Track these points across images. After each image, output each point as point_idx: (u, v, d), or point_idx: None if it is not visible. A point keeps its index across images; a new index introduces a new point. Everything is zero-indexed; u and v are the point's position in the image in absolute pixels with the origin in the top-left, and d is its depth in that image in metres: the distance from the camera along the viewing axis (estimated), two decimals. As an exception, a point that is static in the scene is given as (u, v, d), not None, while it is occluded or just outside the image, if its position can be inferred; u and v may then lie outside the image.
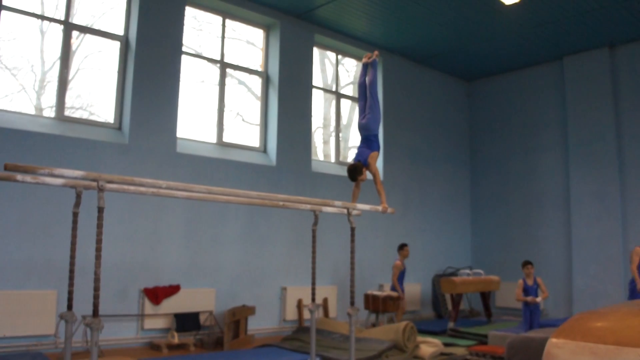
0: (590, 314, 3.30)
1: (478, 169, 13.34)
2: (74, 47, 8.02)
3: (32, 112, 7.66)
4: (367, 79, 5.98)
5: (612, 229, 10.79)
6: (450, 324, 9.43)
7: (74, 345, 6.30)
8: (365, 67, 6.07)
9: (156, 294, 7.87)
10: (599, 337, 2.99)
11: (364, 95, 5.95)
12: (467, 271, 11.14)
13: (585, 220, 11.16)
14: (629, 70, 11.01)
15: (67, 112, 7.84)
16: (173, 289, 8.04)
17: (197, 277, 8.41)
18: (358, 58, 11.53)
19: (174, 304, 8.00)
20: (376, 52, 6.08)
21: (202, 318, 8.18)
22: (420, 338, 7.64)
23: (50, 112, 7.76)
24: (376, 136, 5.86)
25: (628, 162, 10.84)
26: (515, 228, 12.44)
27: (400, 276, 9.39)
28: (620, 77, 11.10)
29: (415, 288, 11.52)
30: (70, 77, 7.95)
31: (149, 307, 7.82)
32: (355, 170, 5.69)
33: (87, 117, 8.15)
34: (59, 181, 3.68)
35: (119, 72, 8.24)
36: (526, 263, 8.33)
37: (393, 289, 9.40)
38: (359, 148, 5.88)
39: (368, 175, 5.82)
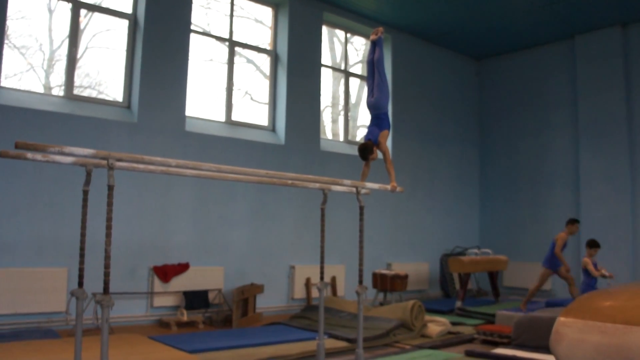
0: (598, 293, 3.30)
1: (487, 148, 13.28)
2: (82, 26, 8.00)
3: (41, 90, 7.67)
4: (374, 56, 5.93)
5: (621, 209, 10.74)
6: (458, 303, 9.46)
7: (84, 322, 6.37)
8: (373, 44, 6.01)
9: (165, 272, 7.92)
10: (607, 316, 3.00)
11: (372, 73, 5.90)
12: (475, 251, 11.15)
13: (594, 200, 11.12)
14: (641, 49, 10.89)
15: (75, 91, 7.84)
16: (182, 267, 8.09)
17: (206, 255, 8.45)
18: (367, 36, 11.45)
19: (183, 282, 8.06)
20: (381, 29, 6.02)
21: (210, 296, 8.23)
22: (428, 317, 7.68)
23: (59, 91, 7.77)
24: (386, 114, 5.82)
25: (638, 142, 10.76)
26: (523, 208, 12.41)
27: (552, 247, 8.97)
28: (632, 56, 10.97)
29: (423, 267, 11.55)
30: (78, 55, 7.94)
31: (158, 285, 7.88)
32: (366, 150, 5.66)
33: (95, 95, 8.15)
34: (69, 159, 3.68)
35: (127, 50, 8.22)
36: (596, 244, 8.26)
37: (547, 263, 9.10)
38: (369, 127, 5.84)
39: (379, 154, 5.79)
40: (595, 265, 8.16)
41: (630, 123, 10.84)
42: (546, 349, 5.71)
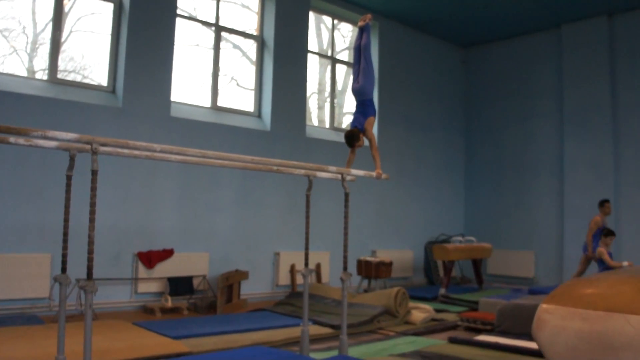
0: (580, 280, 3.33)
1: (473, 136, 13.33)
2: (66, 9, 7.90)
3: (25, 74, 7.58)
4: (361, 42, 5.91)
5: (604, 197, 10.81)
6: (442, 291, 9.52)
7: (68, 309, 6.35)
8: (360, 30, 5.99)
9: (150, 258, 7.90)
10: (589, 303, 3.03)
11: (359, 59, 5.88)
12: (460, 238, 11.21)
13: (578, 189, 11.21)
14: (627, 39, 10.95)
15: (60, 75, 7.76)
16: (167, 253, 8.07)
17: (190, 241, 8.43)
18: (354, 23, 11.42)
19: (167, 268, 8.04)
20: (369, 16, 5.99)
21: (195, 282, 8.22)
22: (411, 304, 7.72)
23: (42, 75, 7.69)
24: (371, 101, 5.81)
25: (623, 131, 10.85)
26: (508, 196, 12.49)
27: (598, 232, 8.86)
28: (617, 46, 11.04)
29: (407, 255, 11.61)
30: (63, 39, 7.85)
31: (142, 271, 7.86)
32: (353, 137, 5.64)
33: (80, 80, 8.07)
34: (52, 144, 3.65)
35: (112, 34, 8.14)
36: (612, 233, 8.31)
37: (585, 248, 9.14)
38: (355, 114, 5.82)
39: (365, 141, 5.79)
40: (610, 255, 8.16)
41: (615, 112, 10.92)
42: (529, 336, 5.76)
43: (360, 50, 5.86)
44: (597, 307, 2.99)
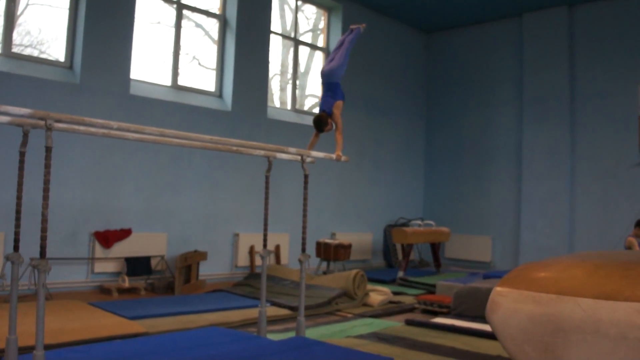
0: (534, 264, 3.39)
1: (433, 121, 13.43)
2: (22, -19, 7.68)
3: (-22, 47, 7.37)
4: (348, 37, 5.94)
5: (560, 185, 11.06)
6: (400, 274, 9.61)
7: (21, 288, 6.22)
8: (350, 30, 6.04)
9: (107, 238, 7.80)
10: (541, 287, 3.08)
11: (339, 47, 5.93)
12: (419, 222, 11.32)
13: (535, 176, 11.41)
14: (586, 30, 11.12)
15: (15, 49, 7.55)
16: (124, 233, 7.98)
17: (149, 221, 8.34)
18: (318, 5, 11.39)
19: (125, 248, 7.95)
20: (364, 25, 6.03)
21: (153, 262, 8.15)
22: (370, 286, 7.78)
23: (-4, 49, 7.47)
24: (338, 84, 5.81)
25: (579, 120, 11.05)
26: (467, 181, 12.65)
27: None
28: (576, 36, 11.21)
29: (366, 237, 11.68)
30: (18, 12, 7.63)
31: (99, 251, 7.76)
32: (321, 121, 5.63)
33: (37, 55, 7.86)
34: (5, 119, 3.55)
35: (70, 8, 7.93)
36: None
37: None
38: (323, 97, 5.80)
39: (333, 125, 5.78)
40: None
41: (573, 101, 11.12)
42: (483, 319, 5.84)
43: (344, 42, 5.89)
44: (549, 290, 3.04)
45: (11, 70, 7.18)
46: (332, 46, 11.50)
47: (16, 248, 3.71)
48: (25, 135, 3.69)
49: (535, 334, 3.05)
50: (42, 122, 3.48)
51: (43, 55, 7.92)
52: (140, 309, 6.16)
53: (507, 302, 3.17)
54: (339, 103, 5.73)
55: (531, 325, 3.06)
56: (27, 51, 7.81)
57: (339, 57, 5.79)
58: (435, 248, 10.79)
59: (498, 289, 3.26)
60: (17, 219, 3.73)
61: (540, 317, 3.03)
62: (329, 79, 5.79)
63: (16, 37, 7.61)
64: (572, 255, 3.69)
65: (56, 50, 7.97)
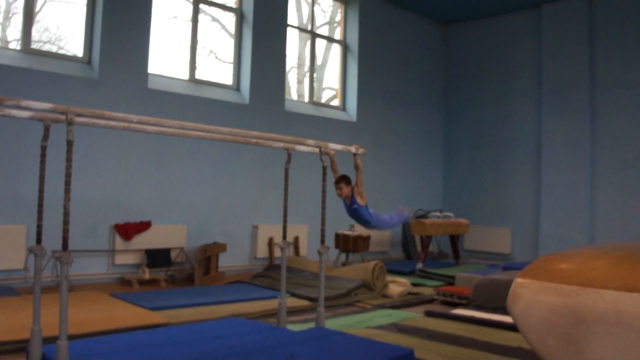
0: (555, 255, 3.37)
1: (451, 113, 13.36)
2: (41, -23, 7.73)
3: (-2, 43, 7.45)
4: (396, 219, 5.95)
5: (580, 176, 10.96)
6: (419, 265, 9.59)
7: (44, 280, 6.30)
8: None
9: (127, 230, 7.86)
10: (563, 278, 3.06)
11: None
12: (437, 214, 11.28)
13: (555, 167, 11.32)
14: (606, 20, 10.98)
15: (34, 46, 7.61)
16: (144, 225, 8.03)
17: (168, 213, 8.40)
18: (335, -3, 11.36)
19: (145, 240, 8.01)
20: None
21: (173, 254, 8.21)
22: (389, 278, 7.78)
23: (16, 46, 7.53)
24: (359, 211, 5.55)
25: (599, 111, 10.93)
26: (486, 173, 12.58)
27: None
28: (596, 26, 11.07)
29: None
30: (37, 9, 7.68)
31: (119, 243, 7.83)
32: (339, 180, 5.39)
33: (55, 51, 7.91)
34: (27, 114, 3.59)
35: (87, 4, 7.97)
36: None
37: None
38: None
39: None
40: None
41: (593, 92, 11.00)
42: (503, 310, 5.83)
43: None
44: (570, 282, 3.03)
45: (31, 66, 7.25)
46: (350, 39, 11.47)
47: (39, 241, 3.75)
48: (47, 129, 3.73)
49: (557, 325, 3.03)
50: (63, 117, 3.51)
51: (61, 51, 7.98)
52: (161, 300, 6.21)
53: (528, 294, 3.16)
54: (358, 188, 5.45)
55: (553, 317, 3.05)
56: (46, 47, 7.87)
57: (379, 222, 5.68)
58: (454, 240, 10.75)
59: (519, 280, 3.24)
60: (40, 212, 3.77)
61: (562, 308, 3.02)
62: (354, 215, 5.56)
63: (35, 33, 7.67)
64: (594, 247, 3.67)
65: (74, 46, 8.03)
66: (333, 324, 5.61)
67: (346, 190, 5.35)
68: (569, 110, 11.18)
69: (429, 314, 6.24)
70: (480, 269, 9.11)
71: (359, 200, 5.37)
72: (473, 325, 5.76)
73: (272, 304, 6.20)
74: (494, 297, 6.36)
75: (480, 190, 12.61)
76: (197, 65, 9.18)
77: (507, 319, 5.61)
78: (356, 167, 5.42)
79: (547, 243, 11.14)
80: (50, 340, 4.09)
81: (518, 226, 11.96)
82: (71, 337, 3.78)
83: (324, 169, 5.19)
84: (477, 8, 12.32)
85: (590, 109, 10.97)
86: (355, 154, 5.51)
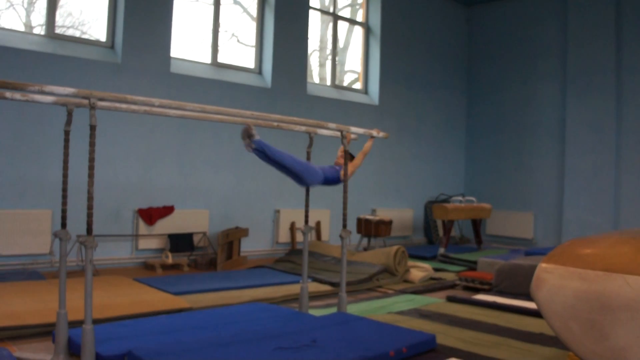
0: (580, 240, 3.33)
1: (474, 96, 13.23)
2: (63, -39, 7.76)
3: (22, 29, 7.48)
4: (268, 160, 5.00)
5: (605, 160, 10.80)
6: (441, 250, 9.56)
7: (69, 265, 6.39)
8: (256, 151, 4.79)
9: (150, 215, 7.91)
10: (588, 263, 3.03)
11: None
12: (460, 198, 11.22)
13: (579, 151, 11.16)
14: (634, 1, 10.75)
15: (58, 31, 7.65)
16: (167, 210, 8.08)
17: (190, 198, 8.44)
18: (357, -21, 11.26)
19: (168, 225, 8.07)
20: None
21: (195, 239, 8.25)
22: (410, 262, 7.76)
23: (40, 31, 7.58)
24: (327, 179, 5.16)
25: (626, 94, 10.74)
26: (509, 157, 12.46)
27: None
28: (623, 7, 10.83)
29: (407, 214, 11.63)
30: (60, -7, 7.72)
31: (143, 228, 7.88)
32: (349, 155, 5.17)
33: (78, 36, 7.96)
34: (50, 99, 3.61)
35: (110, -12, 8.01)
36: None
37: None
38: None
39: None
40: None
41: (619, 75, 10.80)
42: (525, 296, 5.80)
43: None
44: (595, 267, 2.99)
45: (54, 51, 7.29)
46: (372, 21, 11.38)
47: (64, 225, 3.79)
48: (69, 114, 3.75)
49: (582, 311, 3.00)
50: (86, 101, 3.53)
51: (85, 36, 8.01)
52: (184, 285, 6.25)
53: (552, 279, 3.13)
54: (353, 166, 5.24)
55: (577, 302, 3.02)
56: (69, 32, 7.91)
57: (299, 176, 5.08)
58: (477, 224, 10.68)
59: (543, 265, 3.21)
60: (64, 197, 3.81)
61: (586, 294, 2.98)
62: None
63: (58, 18, 7.71)
64: (620, 232, 3.61)
65: (97, 31, 8.06)
66: (355, 309, 5.61)
67: (341, 162, 5.15)
68: (594, 93, 11.00)
69: (450, 299, 6.21)
70: (502, 254, 9.06)
71: (340, 174, 5.12)
72: (495, 310, 5.73)
73: (294, 288, 6.22)
74: (517, 283, 6.33)
75: (503, 175, 12.49)
76: (219, 48, 9.17)
77: (529, 304, 5.57)
78: (364, 149, 5.31)
79: (570, 228, 11.02)
80: (75, 324, 4.14)
81: (541, 211, 11.84)
82: (96, 321, 3.82)
83: (345, 152, 5.17)
84: (501, -10, 12.13)
85: (616, 91, 10.79)
86: (371, 137, 5.47)
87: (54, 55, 7.23)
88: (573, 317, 3.03)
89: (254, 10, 9.70)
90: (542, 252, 7.99)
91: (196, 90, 8.41)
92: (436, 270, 8.15)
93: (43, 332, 4.35)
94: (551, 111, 11.82)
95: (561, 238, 11.07)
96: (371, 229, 9.42)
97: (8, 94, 3.52)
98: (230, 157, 8.87)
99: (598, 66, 10.96)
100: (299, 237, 9.39)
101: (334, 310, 5.35)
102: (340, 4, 11.24)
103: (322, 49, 11.12)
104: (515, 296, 6.17)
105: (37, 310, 4.67)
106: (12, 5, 7.46)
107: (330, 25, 10.99)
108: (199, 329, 4.36)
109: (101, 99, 3.58)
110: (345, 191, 5.15)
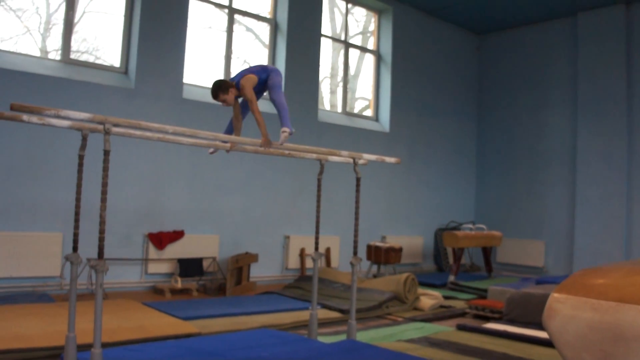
0: (593, 270, 3.30)
1: (485, 123, 13.24)
2: (80, -12, 7.89)
3: (38, 54, 7.59)
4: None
5: (616, 189, 10.75)
6: (451, 278, 9.50)
7: (79, 288, 6.38)
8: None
9: (160, 239, 7.93)
10: (600, 293, 3.00)
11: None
12: (470, 226, 11.17)
13: (590, 179, 11.12)
14: (644, 28, 10.80)
15: (73, 56, 7.76)
16: (177, 235, 8.10)
17: (201, 223, 8.46)
18: (368, 7, 11.37)
19: (177, 250, 8.08)
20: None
21: (205, 264, 8.25)
22: (420, 290, 7.72)
23: (55, 56, 7.69)
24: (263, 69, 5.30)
25: (637, 123, 10.71)
26: (519, 185, 12.42)
27: None
28: (634, 35, 10.86)
29: (417, 241, 11.59)
30: (76, 20, 7.84)
31: (153, 252, 7.90)
32: (218, 87, 5.08)
33: (93, 61, 8.06)
34: (65, 123, 3.66)
35: (125, 15, 8.12)
36: None
37: None
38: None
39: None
40: None
41: (630, 103, 10.79)
42: (537, 325, 5.75)
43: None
44: (608, 298, 2.96)
45: (69, 76, 7.38)
46: (383, 49, 11.47)
47: (75, 249, 3.81)
48: (84, 139, 3.80)
49: (595, 341, 2.97)
50: (101, 127, 3.57)
51: (99, 61, 8.12)
52: (193, 310, 6.24)
53: (565, 309, 3.10)
54: (250, 76, 5.15)
55: (590, 333, 2.99)
56: (84, 57, 8.02)
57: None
58: (487, 252, 10.63)
59: (555, 295, 3.18)
60: (76, 220, 3.83)
61: (599, 324, 2.95)
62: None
63: (73, 43, 7.82)
64: (633, 262, 3.59)
65: (112, 56, 8.16)
66: (364, 336, 5.58)
67: (230, 96, 5.10)
68: (605, 122, 10.99)
69: (461, 327, 6.17)
70: (513, 282, 8.99)
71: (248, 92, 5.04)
72: (506, 340, 5.68)
73: (303, 315, 6.20)
74: (527, 312, 6.27)
75: (514, 202, 12.45)
76: (231, 75, 9.25)
77: (540, 334, 5.52)
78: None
79: (581, 256, 10.94)
80: (84, 348, 4.14)
81: (552, 239, 11.77)
82: (104, 345, 3.82)
83: (357, 179, 5.18)
84: (511, 17, 12.20)
85: (627, 120, 10.77)
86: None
87: (69, 80, 7.32)
88: (586, 348, 3.00)
89: (266, 37, 9.80)
90: (553, 281, 7.92)
91: (208, 116, 8.46)
92: (446, 298, 8.10)
93: (52, 355, 4.35)
94: (562, 139, 11.80)
95: (572, 267, 10.99)
96: (381, 256, 9.39)
97: (25, 117, 3.57)
98: (240, 182, 8.90)
99: (609, 95, 10.96)
100: (309, 263, 9.37)
101: (343, 337, 5.32)
102: (351, 32, 11.34)
103: (333, 76, 11.20)
104: (526, 325, 6.11)
105: (46, 333, 4.68)
106: (28, 30, 7.58)
107: (342, 52, 11.07)
108: (207, 355, 4.35)
109: (116, 125, 3.62)
110: (356, 218, 5.15)
